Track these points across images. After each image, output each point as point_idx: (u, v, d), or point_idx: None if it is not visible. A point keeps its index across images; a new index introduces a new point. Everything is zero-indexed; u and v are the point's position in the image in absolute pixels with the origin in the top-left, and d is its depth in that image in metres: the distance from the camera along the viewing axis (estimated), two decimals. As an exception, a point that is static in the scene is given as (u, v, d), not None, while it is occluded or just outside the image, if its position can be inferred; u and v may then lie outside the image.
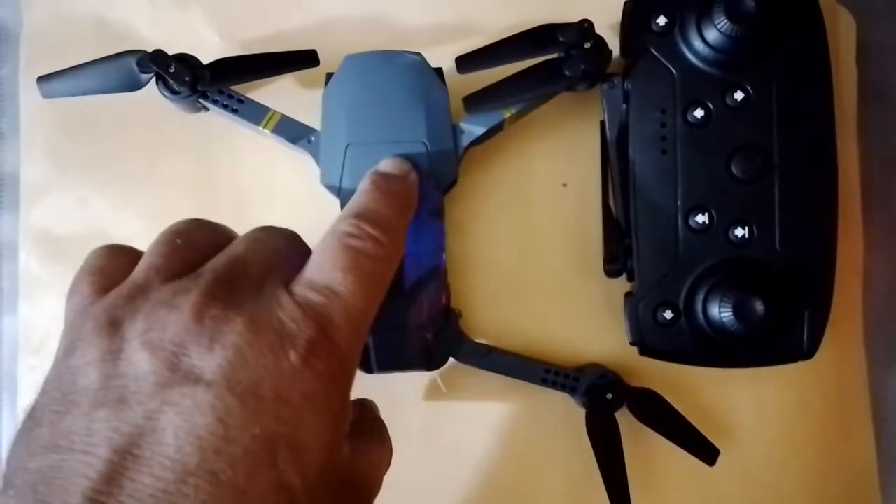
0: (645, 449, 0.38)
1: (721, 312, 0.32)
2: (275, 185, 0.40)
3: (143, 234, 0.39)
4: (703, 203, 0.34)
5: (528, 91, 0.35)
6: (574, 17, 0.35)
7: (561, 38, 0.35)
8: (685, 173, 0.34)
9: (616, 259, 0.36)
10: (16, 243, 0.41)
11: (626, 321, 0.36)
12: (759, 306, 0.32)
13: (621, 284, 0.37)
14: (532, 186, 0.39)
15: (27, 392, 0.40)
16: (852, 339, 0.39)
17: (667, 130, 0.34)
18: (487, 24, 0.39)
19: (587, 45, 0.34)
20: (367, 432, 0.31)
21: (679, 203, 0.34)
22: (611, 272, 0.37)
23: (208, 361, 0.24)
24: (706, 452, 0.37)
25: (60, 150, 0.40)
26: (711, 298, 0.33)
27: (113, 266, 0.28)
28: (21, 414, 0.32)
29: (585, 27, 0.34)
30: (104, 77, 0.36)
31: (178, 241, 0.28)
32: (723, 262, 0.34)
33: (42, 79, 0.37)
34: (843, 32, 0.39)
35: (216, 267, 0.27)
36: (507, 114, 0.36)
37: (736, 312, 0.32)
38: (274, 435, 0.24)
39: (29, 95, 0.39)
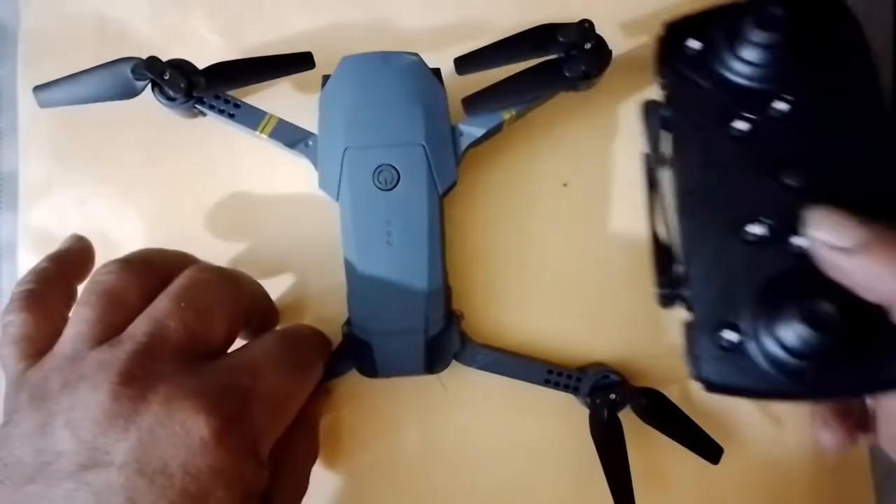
0: (649, 449, 0.38)
1: (794, 326, 0.29)
2: (274, 186, 0.39)
3: (142, 234, 0.40)
4: (757, 217, 0.32)
5: (528, 92, 0.35)
6: (574, 17, 0.34)
7: (561, 39, 0.34)
8: (736, 189, 0.32)
9: (670, 285, 0.34)
10: (15, 243, 0.40)
11: (687, 355, 0.33)
12: (831, 310, 0.29)
13: (621, 282, 0.37)
14: (532, 187, 0.39)
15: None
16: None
17: (713, 149, 0.33)
18: (486, 24, 0.39)
19: (587, 46, 0.34)
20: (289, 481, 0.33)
21: (734, 219, 0.32)
22: (665, 302, 0.34)
23: (122, 444, 0.26)
24: (710, 451, 0.37)
25: (60, 150, 0.40)
26: (780, 313, 0.30)
27: (38, 333, 0.30)
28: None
29: (586, 27, 0.34)
30: (100, 85, 0.35)
31: (103, 302, 0.29)
32: (784, 274, 0.32)
33: (38, 88, 0.36)
34: None
35: (136, 336, 0.28)
36: (506, 115, 0.36)
37: (809, 320, 0.29)
38: None
39: (28, 95, 0.38)
